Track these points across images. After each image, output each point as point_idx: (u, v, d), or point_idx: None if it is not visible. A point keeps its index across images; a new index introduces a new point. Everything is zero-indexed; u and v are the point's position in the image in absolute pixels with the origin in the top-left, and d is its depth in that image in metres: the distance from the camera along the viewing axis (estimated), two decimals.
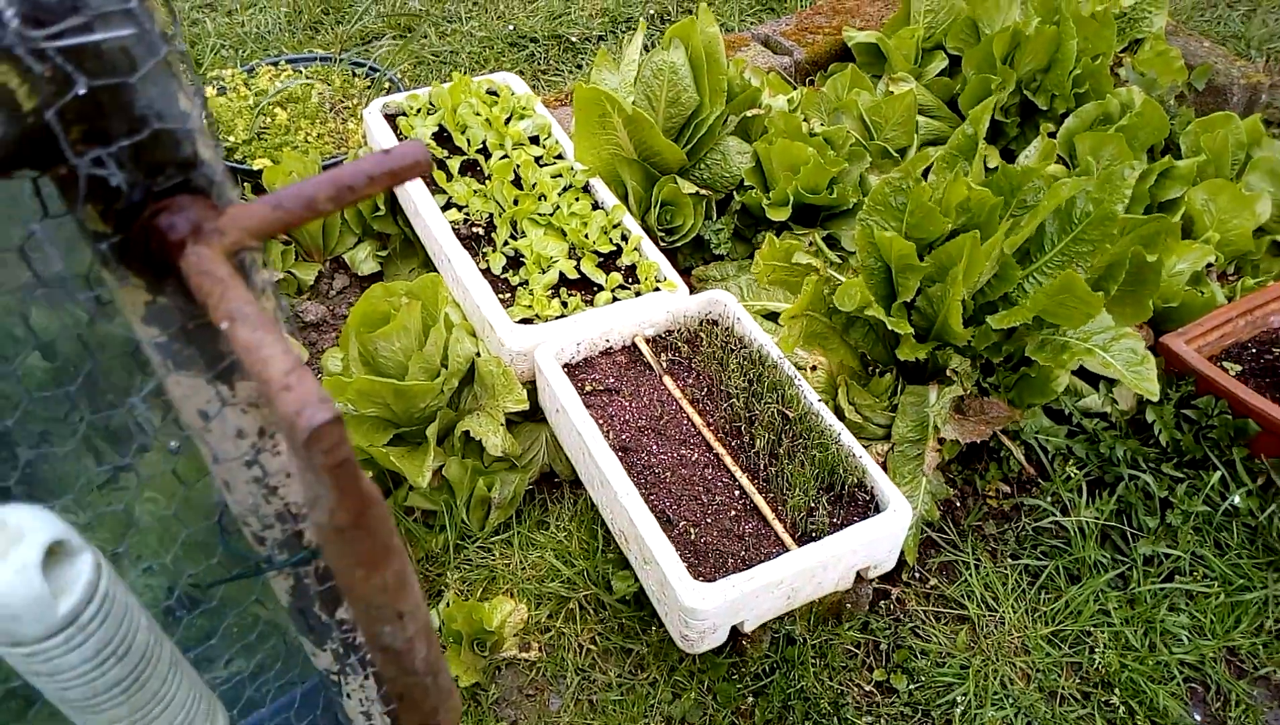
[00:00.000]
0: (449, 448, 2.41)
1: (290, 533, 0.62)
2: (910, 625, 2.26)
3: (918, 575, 2.36)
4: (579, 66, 4.09)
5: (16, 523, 0.47)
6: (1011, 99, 3.04)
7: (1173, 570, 2.31)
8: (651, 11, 4.31)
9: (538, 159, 2.90)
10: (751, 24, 4.22)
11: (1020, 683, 2.17)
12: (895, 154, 3.02)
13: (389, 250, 3.04)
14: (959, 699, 2.12)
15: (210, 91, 3.30)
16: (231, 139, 3.20)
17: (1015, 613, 2.28)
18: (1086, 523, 2.36)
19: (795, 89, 3.37)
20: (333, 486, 0.38)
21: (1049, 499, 2.43)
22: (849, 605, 2.21)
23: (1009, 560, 2.38)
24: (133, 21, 0.37)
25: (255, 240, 0.44)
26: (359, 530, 0.40)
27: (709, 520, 2.07)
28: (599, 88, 2.62)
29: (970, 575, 2.34)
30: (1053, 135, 2.90)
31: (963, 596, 2.31)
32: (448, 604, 2.19)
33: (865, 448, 2.39)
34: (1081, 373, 2.58)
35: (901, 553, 2.31)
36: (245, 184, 3.18)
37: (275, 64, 3.50)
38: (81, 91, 0.37)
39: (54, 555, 0.48)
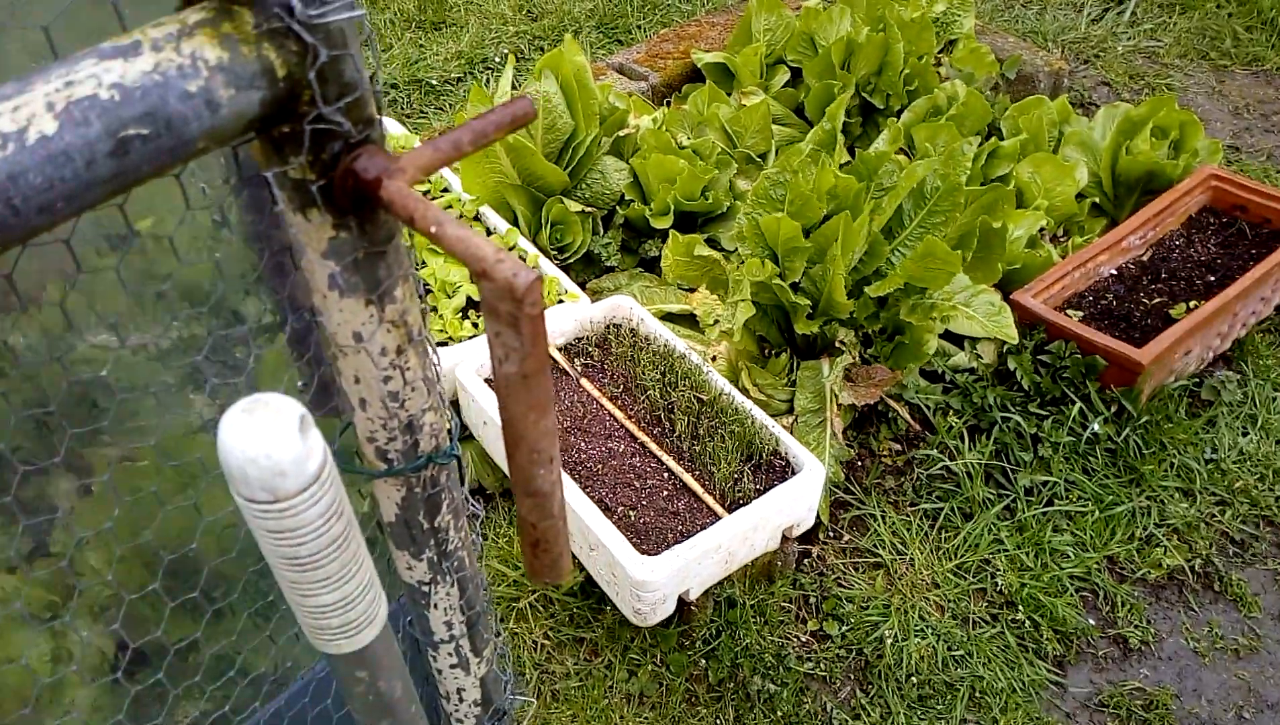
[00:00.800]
0: None
1: (411, 443, 0.74)
2: (834, 577, 2.46)
3: (832, 533, 2.57)
4: (440, 109, 4.22)
5: (273, 400, 0.58)
6: (852, 101, 3.35)
7: (1051, 496, 2.60)
8: (505, 51, 4.48)
9: (425, 193, 3.01)
10: (604, 55, 4.45)
11: (936, 614, 2.40)
12: (757, 159, 3.27)
13: None
14: (885, 635, 2.33)
15: None
16: None
17: (923, 553, 2.51)
18: (971, 465, 2.63)
19: (657, 109, 3.59)
20: (531, 336, 0.51)
21: (936, 449, 2.69)
22: (778, 564, 2.40)
23: (909, 508, 2.62)
24: (349, 5, 0.50)
25: (424, 175, 0.58)
26: (542, 377, 0.53)
27: (644, 503, 2.22)
28: None
29: (878, 526, 2.56)
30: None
31: (875, 546, 2.53)
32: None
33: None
34: (948, 337, 2.86)
35: (816, 513, 2.51)
36: None
37: None
38: (324, 60, 0.50)
39: (303, 428, 0.59)
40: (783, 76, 3.65)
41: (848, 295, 2.51)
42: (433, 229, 0.53)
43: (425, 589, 0.88)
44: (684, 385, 2.41)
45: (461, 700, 1.02)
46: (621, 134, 3.18)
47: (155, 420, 1.04)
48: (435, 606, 0.90)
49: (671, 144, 3.12)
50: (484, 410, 2.35)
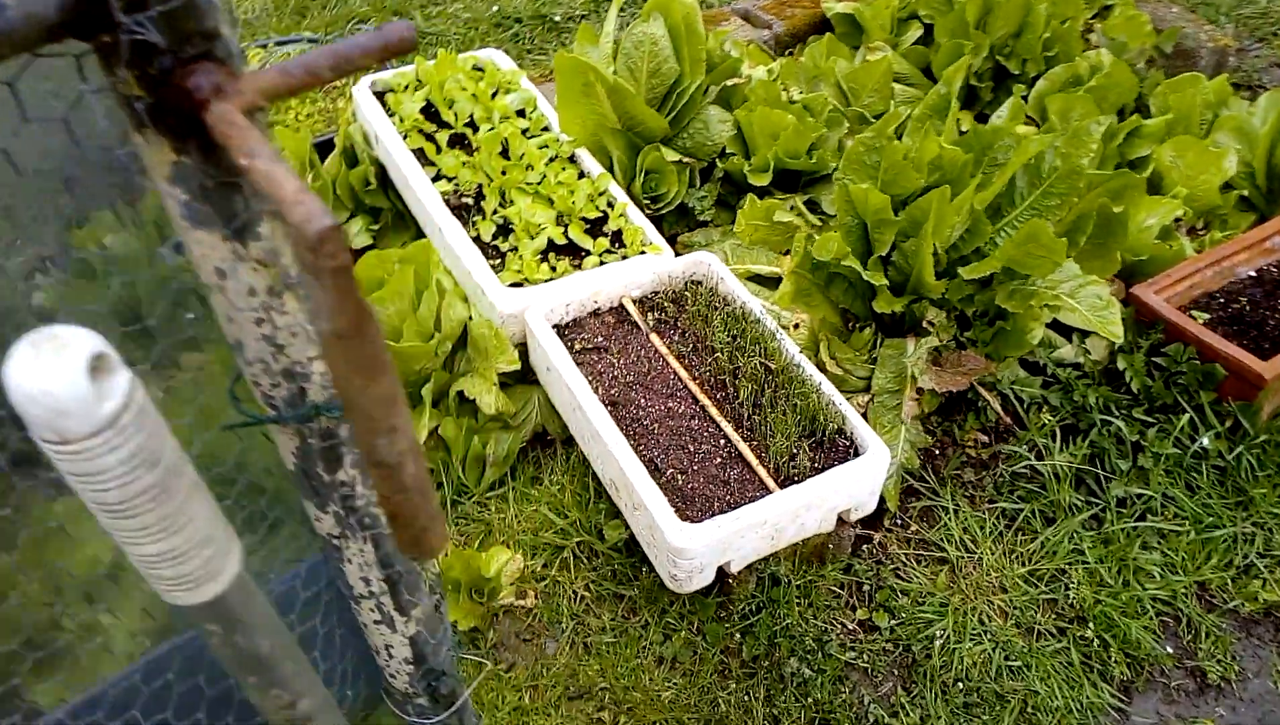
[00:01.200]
0: (444, 409, 2.49)
1: (296, 391, 0.70)
2: (892, 567, 2.34)
3: (899, 521, 2.45)
4: (564, 44, 4.16)
5: (66, 335, 0.54)
6: (985, 64, 3.12)
7: (1145, 510, 2.40)
8: None
9: (524, 131, 2.97)
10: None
11: (998, 619, 2.26)
12: (872, 119, 3.09)
13: (381, 224, 3.11)
14: (938, 634, 2.21)
15: None
16: None
17: (993, 554, 2.37)
18: (1061, 467, 2.45)
19: (775, 60, 3.45)
20: (334, 290, 0.45)
21: (1025, 446, 2.52)
22: (831, 547, 2.30)
23: (987, 505, 2.46)
24: None
25: (266, 100, 0.52)
26: (358, 338, 0.48)
27: (695, 467, 2.16)
28: (579, 58, 2.70)
29: (950, 519, 2.43)
30: (1025, 98, 2.98)
31: (942, 540, 2.40)
32: (445, 554, 2.27)
33: (846, 400, 2.48)
34: (1056, 326, 2.66)
35: (883, 498, 2.40)
36: None
37: (264, 46, 3.56)
38: None
39: (99, 368, 0.55)
40: (915, 32, 3.44)
41: (940, 275, 2.35)
42: (242, 160, 0.47)
43: (336, 542, 0.85)
44: (753, 350, 2.31)
45: (391, 657, 0.99)
46: (730, 84, 3.06)
47: None
48: (349, 561, 0.87)
49: (780, 97, 2.99)
50: (547, 355, 2.32)
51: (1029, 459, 2.48)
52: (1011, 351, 2.55)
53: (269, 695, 0.81)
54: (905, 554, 2.38)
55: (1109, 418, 2.49)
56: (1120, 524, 2.37)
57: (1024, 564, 2.35)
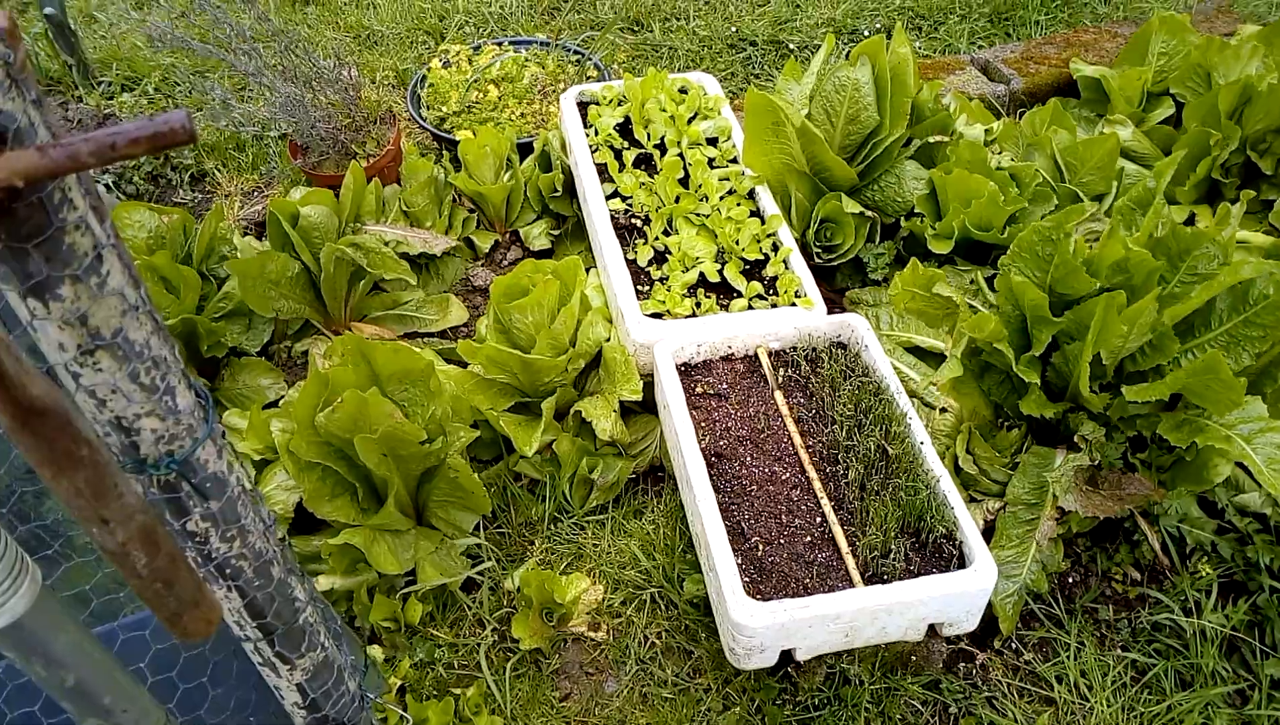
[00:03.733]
0: (565, 425, 2.51)
1: (129, 443, 0.72)
2: (987, 694, 2.14)
3: (1011, 645, 2.23)
4: None
5: None
6: (1235, 158, 2.76)
7: None
8: (878, 25, 4.22)
9: (710, 161, 2.94)
10: (980, 47, 4.05)
11: None
12: (1088, 200, 2.82)
13: (562, 230, 3.19)
14: None
15: (435, 64, 3.57)
16: (444, 109, 3.45)
17: (1109, 707, 2.10)
18: (1211, 628, 2.14)
19: (1000, 119, 3.21)
20: None
21: (1176, 596, 2.21)
22: (917, 659, 2.12)
23: (1117, 650, 2.19)
24: None
25: (22, 180, 0.53)
26: (26, 434, 0.48)
27: (782, 540, 2.05)
28: (769, 95, 2.63)
29: (1068, 658, 2.18)
30: (1270, 204, 2.61)
31: (1056, 678, 2.16)
32: (527, 569, 2.29)
33: (976, 503, 2.29)
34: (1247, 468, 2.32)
35: (995, 619, 2.19)
36: (446, 151, 3.42)
37: (500, 44, 3.72)
38: None
39: None
40: (1164, 110, 3.10)
41: (1104, 388, 2.11)
42: None
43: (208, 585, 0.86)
44: (876, 430, 2.17)
45: (283, 698, 1.00)
46: (935, 140, 2.88)
47: None
48: (222, 605, 0.88)
49: (986, 161, 2.78)
50: (665, 393, 2.28)
51: (1174, 612, 2.18)
52: (1189, 484, 2.25)
53: (86, 723, 0.84)
54: (1007, 684, 2.16)
55: None
56: (1269, 709, 2.04)
57: None
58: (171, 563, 0.57)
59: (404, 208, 3.08)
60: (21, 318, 0.63)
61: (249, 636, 0.93)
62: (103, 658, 0.83)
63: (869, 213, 2.82)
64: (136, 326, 0.68)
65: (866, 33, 4.19)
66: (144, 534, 0.55)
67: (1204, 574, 2.19)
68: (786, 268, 2.61)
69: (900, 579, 1.95)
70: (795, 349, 2.44)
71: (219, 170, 3.52)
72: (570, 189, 3.14)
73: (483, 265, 3.16)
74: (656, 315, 2.49)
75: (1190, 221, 2.83)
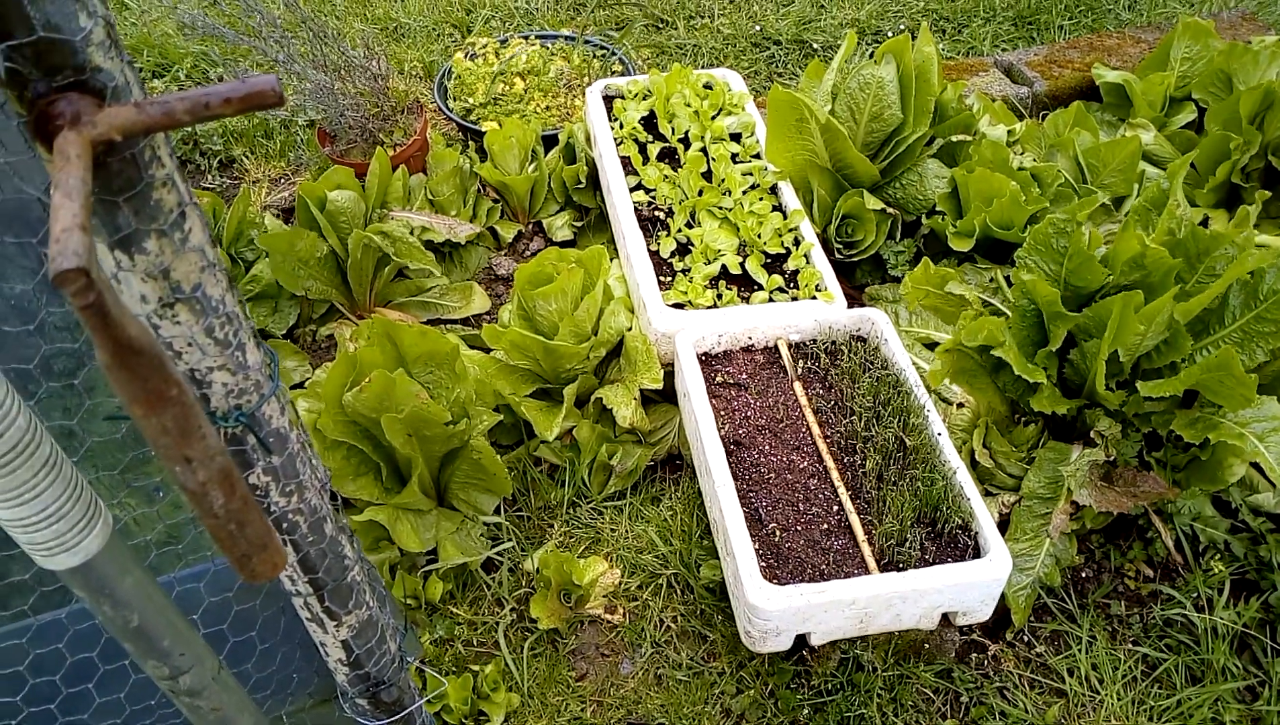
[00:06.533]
0: (586, 412, 2.55)
1: (200, 396, 0.76)
2: (998, 685, 2.16)
3: (1024, 638, 2.25)
4: None
5: None
6: (1255, 163, 2.78)
7: None
8: (902, 26, 4.25)
9: (734, 156, 2.97)
10: (1004, 50, 4.06)
11: None
12: (1109, 203, 2.84)
13: (585, 222, 3.22)
14: None
15: (459, 56, 3.61)
16: (471, 100, 3.49)
17: (1119, 701, 2.13)
18: (1222, 624, 2.16)
19: (1022, 120, 3.24)
20: (90, 326, 0.49)
21: (1189, 593, 2.24)
22: (930, 647, 2.15)
23: (1128, 645, 2.21)
24: None
25: (120, 135, 0.57)
26: (123, 371, 0.51)
27: (800, 528, 2.08)
28: (793, 92, 2.66)
29: (1080, 651, 2.20)
30: None
31: (1067, 670, 2.18)
32: (546, 551, 2.33)
33: (991, 496, 2.31)
34: (1260, 467, 2.34)
35: (1008, 610, 2.21)
36: (472, 142, 3.46)
37: (526, 38, 3.76)
38: None
39: None
40: (1186, 115, 3.12)
41: (1121, 385, 2.13)
42: (55, 188, 0.51)
43: None
44: (894, 421, 2.20)
45: (328, 654, 1.03)
46: (957, 139, 2.90)
47: None
48: None
49: (1008, 161, 2.80)
50: (685, 381, 2.32)
51: (1185, 608, 2.20)
52: (1203, 484, 2.27)
53: (148, 664, 0.88)
54: (1019, 675, 2.18)
55: None
56: (1279, 706, 2.06)
57: (1152, 720, 2.09)
58: (245, 505, 0.60)
59: (429, 196, 3.13)
60: (107, 270, 0.67)
61: (299, 591, 0.96)
62: (164, 603, 0.87)
63: (890, 210, 2.85)
64: (214, 283, 0.72)
65: (890, 33, 4.21)
66: (223, 475, 0.59)
67: (1216, 571, 2.21)
68: (807, 262, 2.64)
69: (915, 567, 1.98)
70: (815, 341, 2.47)
71: (247, 157, 3.57)
72: (594, 181, 3.18)
73: (506, 255, 3.21)
74: (678, 305, 2.53)
75: (1204, 224, 2.84)
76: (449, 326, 2.91)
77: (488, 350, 2.60)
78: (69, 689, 0.96)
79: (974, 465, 2.35)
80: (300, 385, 2.68)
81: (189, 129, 3.66)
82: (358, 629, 1.00)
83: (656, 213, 2.82)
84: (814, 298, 2.55)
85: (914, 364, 2.41)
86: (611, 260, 2.82)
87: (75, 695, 0.97)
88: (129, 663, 0.98)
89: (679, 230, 2.73)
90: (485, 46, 3.68)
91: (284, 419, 0.85)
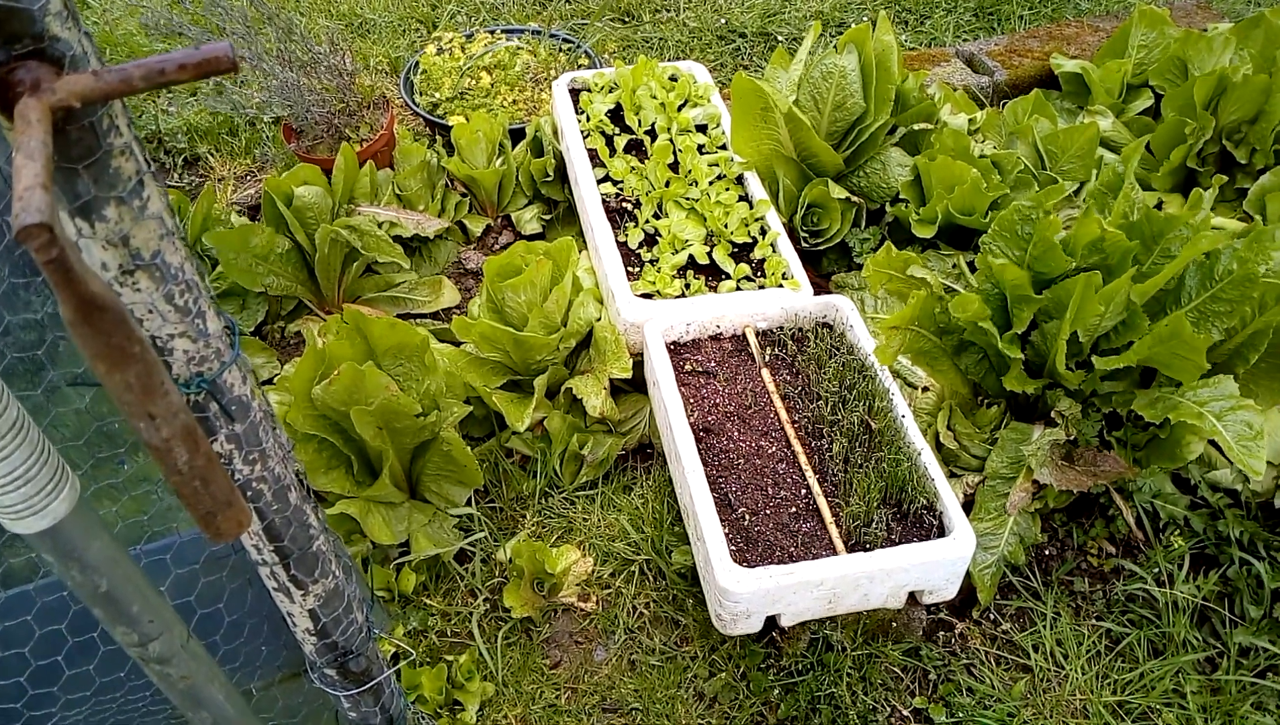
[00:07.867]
0: (556, 403, 2.56)
1: (162, 362, 0.77)
2: (965, 662, 2.20)
3: (989, 615, 2.29)
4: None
5: None
6: (1210, 147, 2.84)
7: (1268, 667, 2.13)
8: (865, 18, 4.28)
9: (700, 147, 3.00)
10: (965, 40, 4.12)
11: None
12: (1068, 187, 2.89)
13: (553, 215, 3.24)
14: None
15: (430, 50, 3.61)
16: (437, 95, 3.49)
17: (1084, 675, 2.17)
18: (1183, 598, 2.21)
19: (983, 109, 3.28)
20: (54, 281, 0.50)
21: (1150, 569, 2.29)
22: (898, 626, 2.19)
23: (1092, 621, 2.26)
24: None
25: (79, 101, 0.58)
26: (86, 327, 0.53)
27: (769, 511, 2.11)
28: (756, 81, 2.68)
29: (1044, 627, 2.25)
30: (1244, 192, 2.68)
31: (1032, 647, 2.23)
32: (519, 541, 2.34)
33: (956, 477, 2.35)
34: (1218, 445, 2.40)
35: (974, 589, 2.25)
36: (439, 137, 3.47)
37: (492, 32, 3.77)
38: None
39: None
40: (1144, 101, 3.18)
41: (1080, 366, 2.18)
42: (16, 151, 0.53)
43: None
44: (860, 405, 2.23)
45: (295, 624, 1.05)
46: (919, 128, 2.94)
47: None
48: None
49: (969, 149, 2.84)
50: (654, 370, 2.34)
51: (1147, 583, 2.25)
52: (1162, 462, 2.32)
53: (117, 630, 0.89)
54: (985, 652, 2.22)
55: (1251, 557, 2.22)
56: (1237, 675, 2.11)
57: (1115, 693, 2.14)
58: (209, 463, 0.62)
59: (397, 191, 3.13)
60: (69, 235, 0.68)
61: (265, 560, 0.98)
62: (132, 569, 0.88)
63: (855, 198, 2.88)
64: (173, 250, 0.73)
65: (853, 24, 4.25)
66: (186, 432, 0.60)
67: (1176, 547, 2.27)
68: (774, 251, 2.67)
69: (882, 547, 2.01)
70: (782, 329, 2.50)
71: (212, 154, 3.56)
72: (561, 174, 3.19)
73: (474, 249, 3.21)
74: (647, 295, 2.55)
75: (1159, 208, 2.90)
76: (419, 321, 2.91)
77: (458, 344, 2.61)
78: (38, 662, 0.97)
79: (939, 447, 2.39)
80: (269, 382, 2.67)
81: (153, 127, 3.64)
82: (324, 598, 1.01)
83: (624, 204, 2.84)
84: (781, 286, 2.58)
85: None
86: (580, 252, 2.83)
87: (45, 668, 0.98)
88: (98, 634, 0.99)
89: (647, 221, 2.75)
90: (451, 41, 3.68)
91: (245, 387, 0.86)
